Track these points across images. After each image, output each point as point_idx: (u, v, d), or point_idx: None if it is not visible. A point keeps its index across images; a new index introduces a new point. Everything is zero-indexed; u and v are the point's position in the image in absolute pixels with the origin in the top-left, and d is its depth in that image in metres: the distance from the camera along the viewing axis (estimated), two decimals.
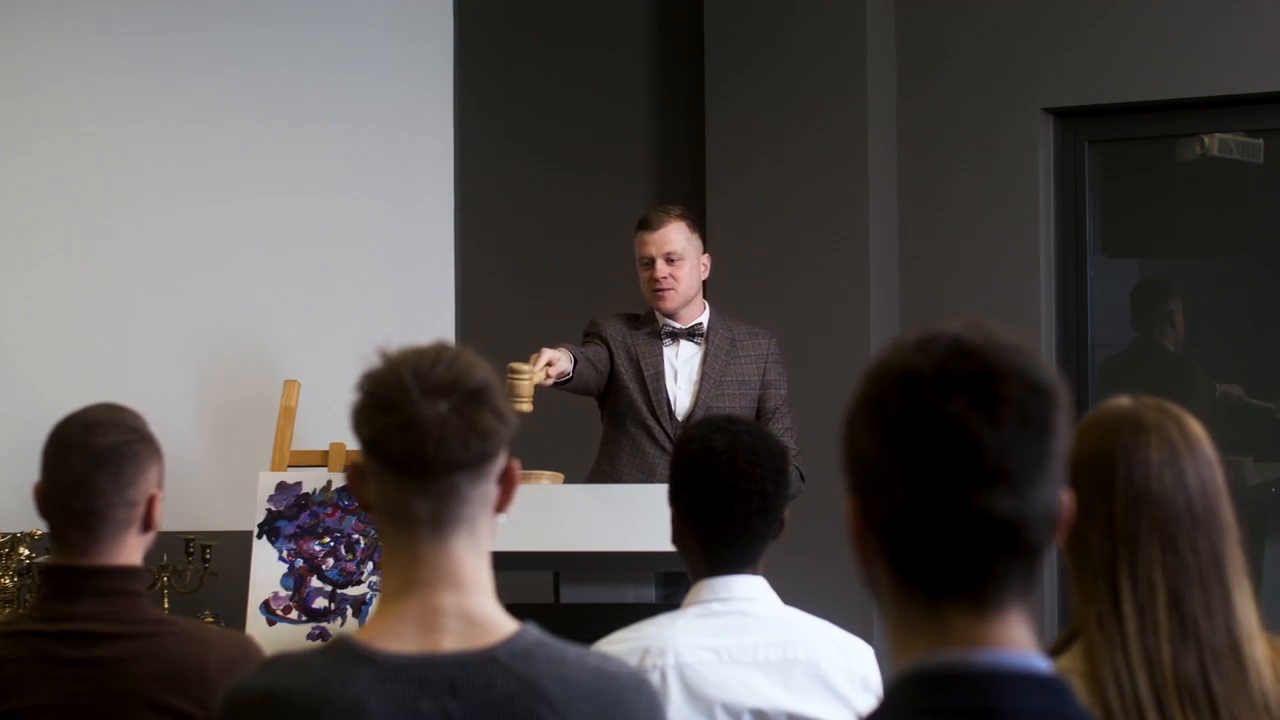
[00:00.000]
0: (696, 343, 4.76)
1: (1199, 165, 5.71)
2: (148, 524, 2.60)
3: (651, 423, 4.69)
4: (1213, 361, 5.78)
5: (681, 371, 4.75)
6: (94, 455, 2.55)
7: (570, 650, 1.91)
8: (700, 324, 4.78)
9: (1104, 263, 5.80)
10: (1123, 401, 2.06)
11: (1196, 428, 2.04)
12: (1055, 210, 5.70)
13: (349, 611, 4.46)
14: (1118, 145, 5.80)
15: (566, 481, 4.43)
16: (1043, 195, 5.67)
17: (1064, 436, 1.44)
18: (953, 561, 1.41)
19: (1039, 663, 1.43)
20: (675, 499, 2.88)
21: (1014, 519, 1.41)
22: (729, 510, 2.82)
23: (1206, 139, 5.65)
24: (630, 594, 4.18)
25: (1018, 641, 1.42)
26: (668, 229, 4.72)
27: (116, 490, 2.55)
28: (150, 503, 2.60)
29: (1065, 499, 1.46)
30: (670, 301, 4.72)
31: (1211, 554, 1.99)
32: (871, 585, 1.48)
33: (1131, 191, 5.87)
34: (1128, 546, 1.98)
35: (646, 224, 4.76)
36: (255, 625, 4.41)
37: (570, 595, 4.21)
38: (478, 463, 1.89)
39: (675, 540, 2.90)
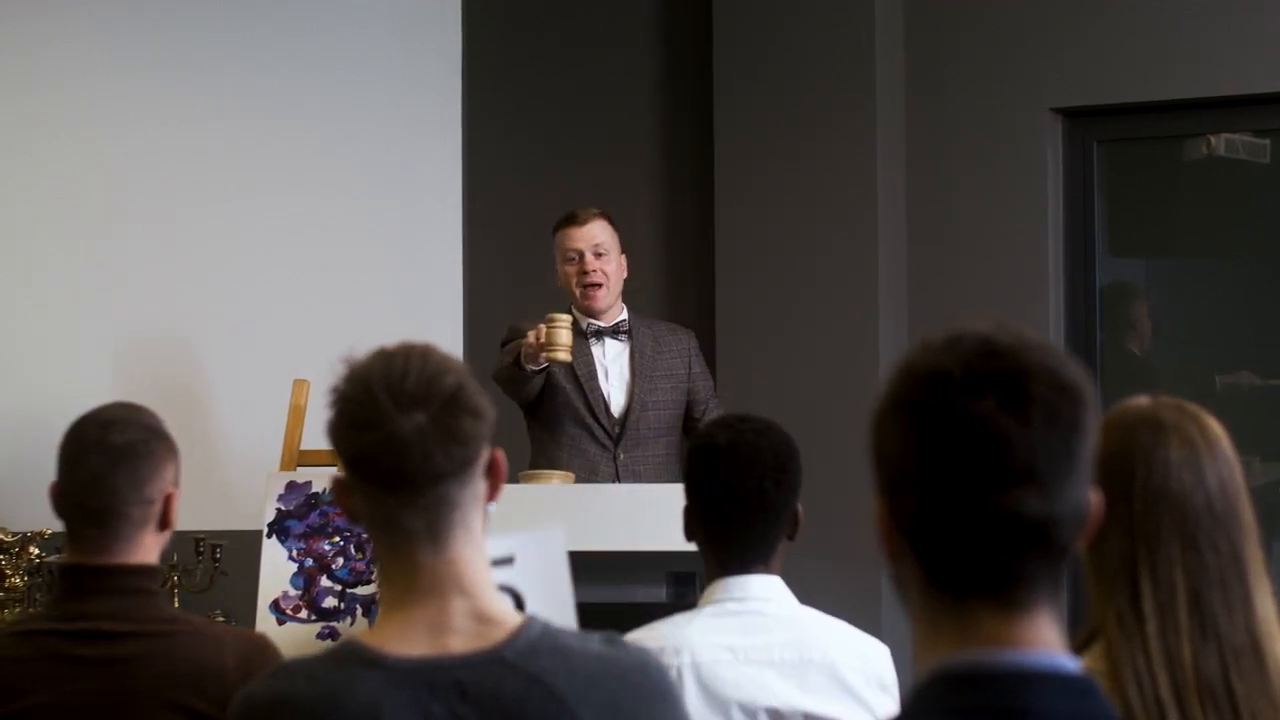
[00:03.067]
0: (621, 340, 4.82)
1: (1205, 165, 5.70)
2: (164, 522, 2.60)
3: (590, 421, 4.74)
4: (1217, 362, 5.78)
5: (612, 369, 4.81)
6: (111, 453, 2.55)
7: (575, 639, 1.90)
8: (624, 320, 4.84)
9: (1109, 263, 5.79)
10: (1141, 401, 2.06)
11: (1215, 427, 2.03)
12: (1063, 210, 5.70)
13: (358, 611, 4.46)
14: (1125, 145, 5.80)
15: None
16: (1051, 195, 5.66)
17: (1092, 436, 1.44)
18: (981, 562, 1.41)
19: (1067, 663, 1.42)
20: (687, 495, 2.90)
21: (1043, 519, 1.40)
22: (729, 508, 2.83)
23: (1213, 139, 5.65)
24: (639, 594, 4.18)
25: (1046, 642, 1.42)
26: (593, 225, 4.80)
27: (133, 488, 2.55)
28: (167, 501, 2.60)
29: (1093, 498, 1.46)
30: (601, 298, 4.79)
31: (1231, 553, 1.98)
32: (899, 585, 1.48)
33: (1137, 191, 5.87)
34: (1147, 546, 1.98)
35: (572, 220, 4.84)
36: (265, 624, 4.40)
37: (580, 595, 4.21)
38: (462, 468, 1.86)
39: (688, 537, 2.92)
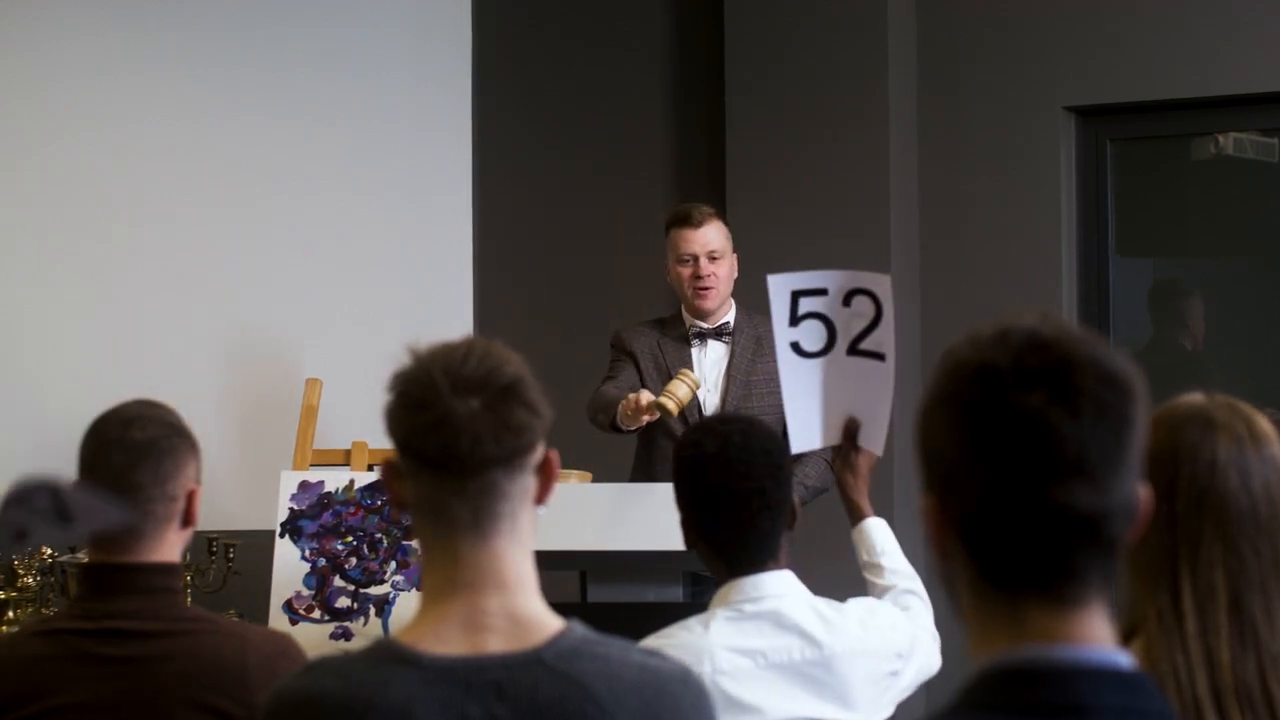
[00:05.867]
0: (724, 342, 4.74)
1: (1213, 164, 5.70)
2: (187, 519, 2.60)
3: (680, 431, 4.65)
4: (1224, 361, 5.77)
5: (709, 375, 4.72)
6: (133, 450, 2.54)
7: (615, 646, 1.89)
8: (727, 323, 4.76)
9: (1117, 262, 5.78)
10: (1193, 397, 2.03)
11: (1265, 427, 2.01)
12: (1076, 208, 5.69)
13: (371, 611, 4.44)
14: (1136, 144, 5.79)
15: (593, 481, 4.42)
16: (1064, 194, 5.66)
17: (1141, 428, 1.43)
18: (1033, 556, 1.41)
19: (1121, 658, 1.42)
20: (679, 505, 2.88)
21: (1094, 512, 1.40)
22: (731, 513, 2.82)
23: (1221, 138, 5.64)
24: (656, 593, 4.17)
25: (1098, 637, 1.42)
26: (709, 227, 4.72)
27: (156, 485, 2.54)
28: (189, 498, 2.59)
29: (1143, 492, 1.44)
30: (712, 300, 4.72)
31: (1274, 558, 1.96)
32: (947, 582, 1.47)
33: (1146, 190, 5.86)
34: (1189, 545, 1.96)
35: (687, 220, 4.72)
36: (277, 624, 4.39)
37: (596, 595, 4.20)
38: (513, 457, 1.87)
39: (688, 545, 2.91)
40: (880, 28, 5.68)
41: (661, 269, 4.85)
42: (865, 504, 3.31)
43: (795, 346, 3.46)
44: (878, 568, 3.22)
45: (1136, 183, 5.83)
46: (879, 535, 3.26)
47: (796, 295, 3.44)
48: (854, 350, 3.41)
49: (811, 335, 3.44)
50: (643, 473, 4.70)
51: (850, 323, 3.41)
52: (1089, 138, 5.71)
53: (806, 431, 3.43)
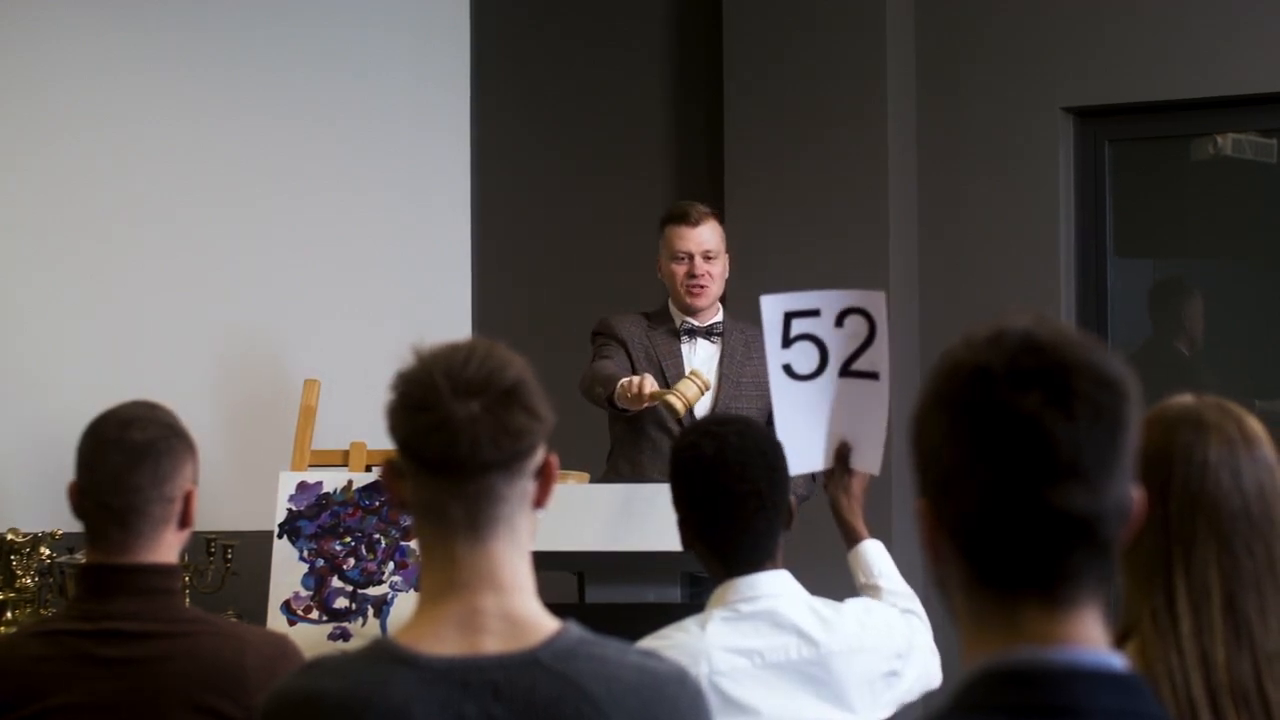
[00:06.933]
0: (713, 342, 4.74)
1: (1212, 165, 5.69)
2: (184, 520, 2.60)
3: (673, 424, 4.64)
4: (1224, 362, 5.77)
5: (700, 371, 4.72)
6: (131, 451, 2.54)
7: (612, 647, 1.90)
8: (718, 323, 4.77)
9: (1116, 263, 5.78)
10: (1184, 399, 2.04)
11: (1257, 428, 2.02)
12: (1075, 210, 5.69)
13: (370, 612, 4.45)
14: (1135, 145, 5.79)
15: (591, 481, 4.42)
16: (1063, 194, 5.66)
17: (1135, 430, 1.44)
18: (1027, 558, 1.41)
19: (1115, 661, 1.42)
20: (676, 506, 2.88)
21: (1088, 514, 1.40)
22: (728, 514, 2.82)
23: (1220, 139, 5.64)
24: (649, 594, 4.17)
25: (1093, 639, 1.42)
26: (705, 226, 4.72)
27: (154, 485, 2.54)
28: (187, 499, 2.59)
29: (1137, 494, 1.45)
30: (704, 299, 4.72)
31: (1268, 558, 1.97)
32: (941, 584, 1.47)
33: (1145, 191, 5.86)
34: (1183, 546, 1.96)
35: (685, 219, 4.72)
36: (275, 625, 4.40)
37: (594, 595, 4.20)
38: (511, 461, 1.87)
39: (685, 546, 2.91)
40: (880, 28, 5.68)
41: (654, 268, 4.85)
42: (860, 526, 3.31)
43: (788, 369, 3.49)
44: (875, 589, 3.20)
45: (1135, 183, 5.82)
46: (875, 558, 3.25)
47: (789, 316, 3.48)
48: (846, 371, 3.42)
49: (804, 357, 3.48)
50: (626, 459, 4.69)
51: (843, 344, 3.42)
52: (1087, 138, 5.71)
53: (803, 455, 3.42)
